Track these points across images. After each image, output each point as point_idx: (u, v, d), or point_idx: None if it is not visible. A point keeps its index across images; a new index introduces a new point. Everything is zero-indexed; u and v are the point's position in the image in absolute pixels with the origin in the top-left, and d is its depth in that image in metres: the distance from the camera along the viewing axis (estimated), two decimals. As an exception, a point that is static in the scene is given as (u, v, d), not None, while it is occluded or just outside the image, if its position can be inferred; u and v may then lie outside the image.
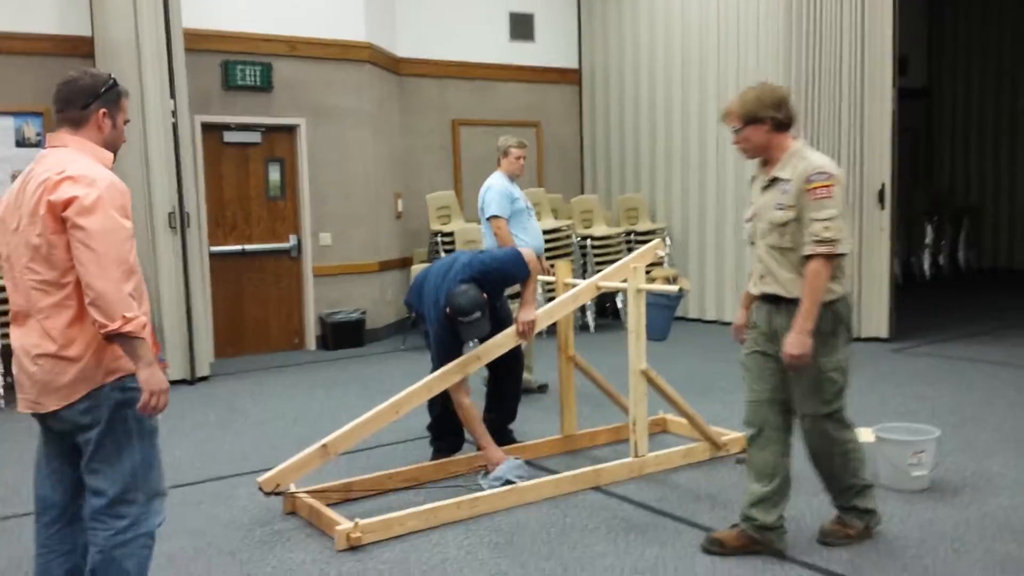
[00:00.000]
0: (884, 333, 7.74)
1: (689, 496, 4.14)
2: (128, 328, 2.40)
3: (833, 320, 3.29)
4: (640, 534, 3.71)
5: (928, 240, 12.24)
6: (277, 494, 3.98)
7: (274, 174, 8.43)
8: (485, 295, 4.33)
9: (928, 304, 9.89)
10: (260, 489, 3.92)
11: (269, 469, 4.10)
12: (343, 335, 8.41)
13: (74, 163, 2.51)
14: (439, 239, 8.79)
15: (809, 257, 3.20)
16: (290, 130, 8.44)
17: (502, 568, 3.42)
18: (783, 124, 3.32)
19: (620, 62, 10.16)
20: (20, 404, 2.64)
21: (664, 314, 5.02)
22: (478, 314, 4.23)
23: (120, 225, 2.45)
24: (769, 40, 8.56)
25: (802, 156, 3.30)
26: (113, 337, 2.43)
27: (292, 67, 8.34)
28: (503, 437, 4.86)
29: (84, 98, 2.59)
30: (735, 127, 3.37)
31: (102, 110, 2.61)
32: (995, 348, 7.36)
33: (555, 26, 10.53)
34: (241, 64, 8.05)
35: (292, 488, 4.09)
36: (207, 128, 7.91)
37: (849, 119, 7.81)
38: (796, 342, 3.20)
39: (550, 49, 10.50)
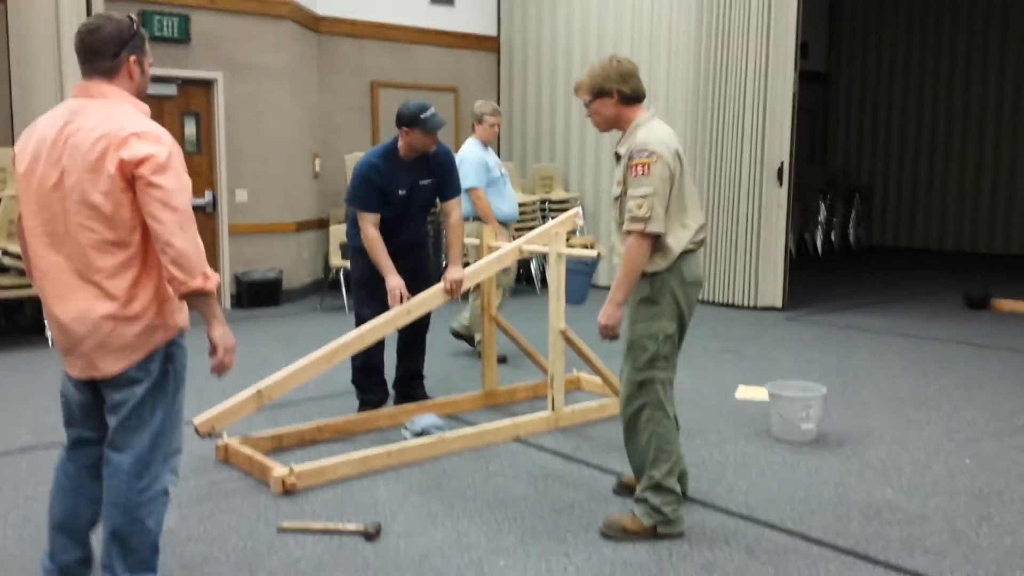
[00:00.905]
0: (778, 303, 8.26)
1: (602, 446, 4.46)
2: (209, 285, 2.43)
3: (654, 289, 3.27)
4: (557, 479, 4.01)
5: (822, 217, 12.94)
6: (212, 437, 4.09)
7: (190, 128, 8.37)
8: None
9: (820, 277, 10.52)
10: (196, 431, 4.02)
11: (189, 423, 4.22)
12: (259, 294, 8.45)
13: (128, 117, 2.44)
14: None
15: (629, 232, 3.23)
16: (207, 84, 8.37)
17: (432, 509, 3.66)
18: (630, 97, 3.34)
19: (538, 32, 10.37)
20: (72, 369, 2.56)
21: (582, 280, 5.26)
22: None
23: (188, 182, 2.46)
24: (681, 20, 8.90)
25: (635, 132, 3.31)
26: (189, 295, 2.42)
27: (211, 20, 8.25)
28: (412, 391, 5.07)
29: (113, 46, 2.47)
30: (585, 100, 3.41)
31: (132, 57, 2.51)
32: (880, 319, 7.96)
33: (475, -7, 10.65)
34: (159, 15, 7.94)
35: (225, 436, 4.24)
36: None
37: (753, 100, 8.24)
38: (603, 312, 3.30)
39: (470, 15, 10.62)
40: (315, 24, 9.37)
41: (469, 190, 5.85)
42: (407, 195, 4.73)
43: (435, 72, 10.36)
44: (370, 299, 4.78)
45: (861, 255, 13.13)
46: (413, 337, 5.03)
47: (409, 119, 4.57)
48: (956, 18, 13.16)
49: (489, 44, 10.81)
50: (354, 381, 5.04)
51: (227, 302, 8.53)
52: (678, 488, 3.40)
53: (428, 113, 4.57)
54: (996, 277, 9.35)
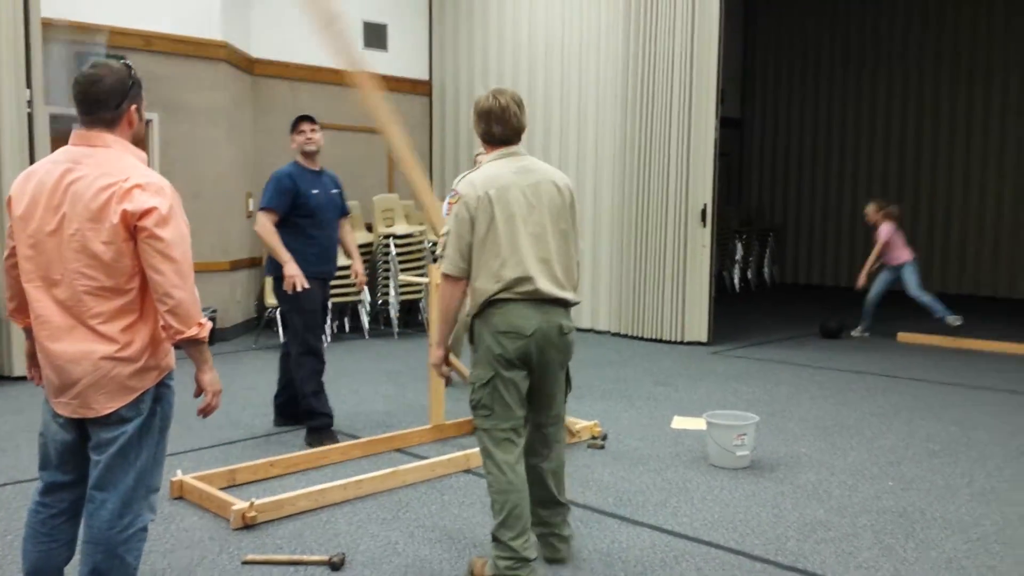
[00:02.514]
0: (704, 338, 8.61)
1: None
2: (203, 334, 2.51)
3: (472, 334, 3.31)
4: (511, 508, 4.16)
5: (739, 256, 13.48)
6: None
7: (123, 169, 8.32)
8: None
9: (740, 313, 10.96)
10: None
11: None
12: (193, 333, 8.38)
13: (131, 168, 2.49)
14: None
15: None
16: (141, 125, 8.35)
17: (392, 539, 3.77)
18: (483, 138, 3.39)
19: (470, 75, 10.66)
20: (62, 409, 2.59)
21: None
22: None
23: (188, 232, 2.53)
24: (608, 68, 9.29)
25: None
26: (184, 342, 2.50)
27: (146, 61, 8.25)
28: (293, 417, 5.47)
29: (116, 98, 2.52)
30: None
31: (132, 106, 2.58)
32: (798, 352, 8.37)
33: (408, 38, 10.90)
34: (94, 56, 7.93)
35: (179, 473, 4.27)
36: (56, 119, 7.73)
37: (678, 145, 8.65)
38: (430, 353, 3.49)
39: (403, 59, 10.85)
40: (250, 66, 9.46)
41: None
42: (319, 196, 5.25)
43: (369, 114, 10.49)
44: (317, 327, 5.24)
45: (775, 292, 13.71)
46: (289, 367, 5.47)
47: (293, 122, 5.45)
48: (860, 65, 13.97)
49: (422, 88, 11.05)
50: (311, 407, 5.22)
51: (160, 342, 8.44)
52: (522, 548, 3.19)
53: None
54: (903, 312, 9.90)
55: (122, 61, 2.63)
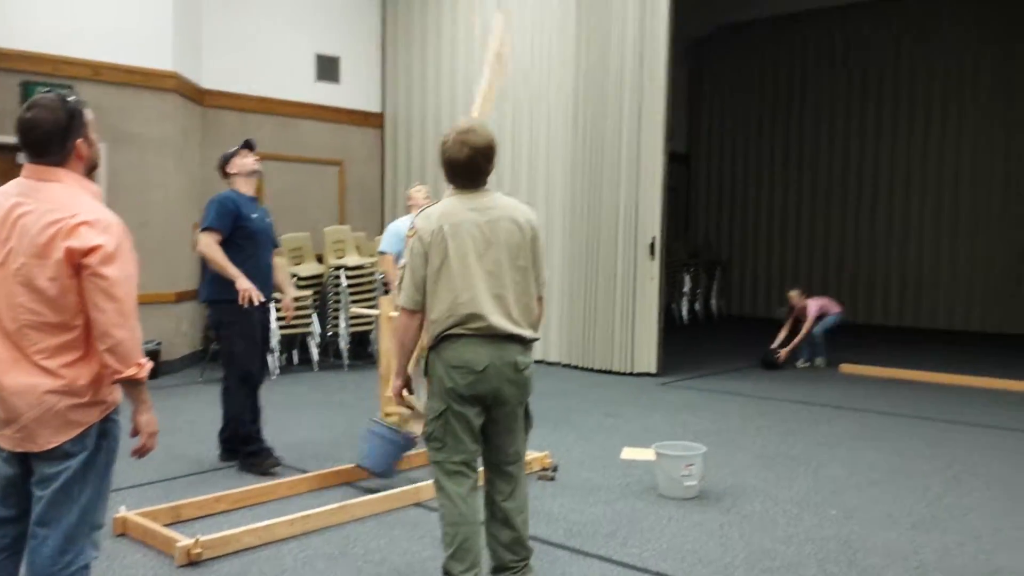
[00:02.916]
0: (653, 369, 8.71)
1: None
2: (141, 374, 2.48)
3: (427, 366, 3.32)
4: (461, 541, 4.15)
5: (686, 288, 13.67)
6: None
7: (68, 199, 8.20)
8: None
9: (688, 345, 11.10)
10: None
11: None
12: (138, 365, 8.24)
13: (79, 203, 2.46)
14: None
15: None
16: (87, 155, 8.25)
17: (339, 575, 3.74)
18: (448, 176, 3.40)
19: (422, 108, 10.73)
20: (4, 442, 2.55)
21: (389, 448, 4.93)
22: None
23: (134, 271, 2.49)
24: (559, 104, 9.43)
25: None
26: (122, 381, 2.48)
27: (95, 91, 8.17)
28: (238, 452, 5.39)
29: (57, 139, 2.50)
30: None
31: (79, 139, 2.54)
32: (744, 383, 8.50)
33: (360, 70, 10.95)
34: (42, 85, 7.82)
35: (123, 509, 4.20)
36: (1, 149, 7.61)
37: (627, 181, 8.80)
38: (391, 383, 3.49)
39: (355, 92, 10.89)
40: (200, 97, 9.42)
41: (381, 253, 6.70)
42: (258, 220, 5.31)
43: (320, 146, 10.53)
44: (255, 353, 5.31)
45: (722, 324, 13.91)
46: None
47: (224, 158, 5.47)
48: (803, 103, 14.37)
49: (374, 120, 11.09)
50: (249, 433, 5.26)
51: (103, 375, 8.28)
52: None
53: (238, 145, 5.49)
54: (846, 343, 10.12)
55: (59, 93, 2.58)
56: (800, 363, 9.52)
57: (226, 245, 5.17)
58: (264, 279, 5.32)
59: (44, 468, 2.55)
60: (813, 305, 9.44)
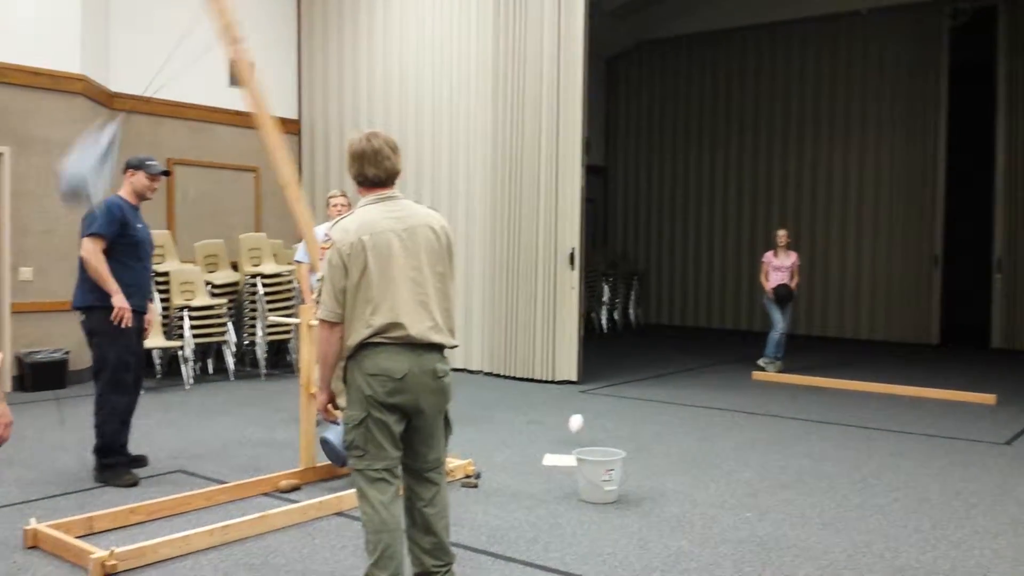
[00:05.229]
0: (574, 377, 8.81)
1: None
2: None
3: (345, 375, 3.31)
4: (384, 549, 4.13)
5: (605, 298, 13.87)
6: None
7: (-31, 203, 7.89)
8: None
9: (607, 353, 11.26)
10: None
11: None
12: (44, 376, 7.98)
13: None
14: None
15: None
16: (-9, 157, 7.96)
17: (262, 585, 3.69)
18: (356, 180, 3.38)
19: (339, 114, 10.66)
20: None
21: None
22: None
23: None
24: (478, 117, 9.47)
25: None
26: None
27: (0, 93, 7.90)
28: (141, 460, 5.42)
29: None
30: None
31: None
32: (662, 390, 8.67)
33: (275, 77, 10.79)
34: (-63, 85, 7.52)
35: (33, 521, 4.05)
36: None
37: (546, 192, 8.91)
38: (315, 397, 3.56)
39: (271, 98, 10.70)
40: (108, 100, 9.16)
41: (297, 262, 6.77)
42: (143, 230, 5.32)
43: (235, 151, 10.35)
44: (130, 363, 5.22)
45: (640, 333, 14.16)
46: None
47: (136, 163, 5.34)
48: (716, 118, 14.77)
49: (291, 127, 10.96)
50: (107, 445, 5.15)
51: (7, 384, 7.97)
52: None
53: (153, 160, 5.40)
54: (758, 351, 10.41)
55: None
56: (765, 362, 9.75)
57: (108, 253, 5.08)
58: (144, 289, 5.31)
59: None
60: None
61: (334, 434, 4.99)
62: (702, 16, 14.17)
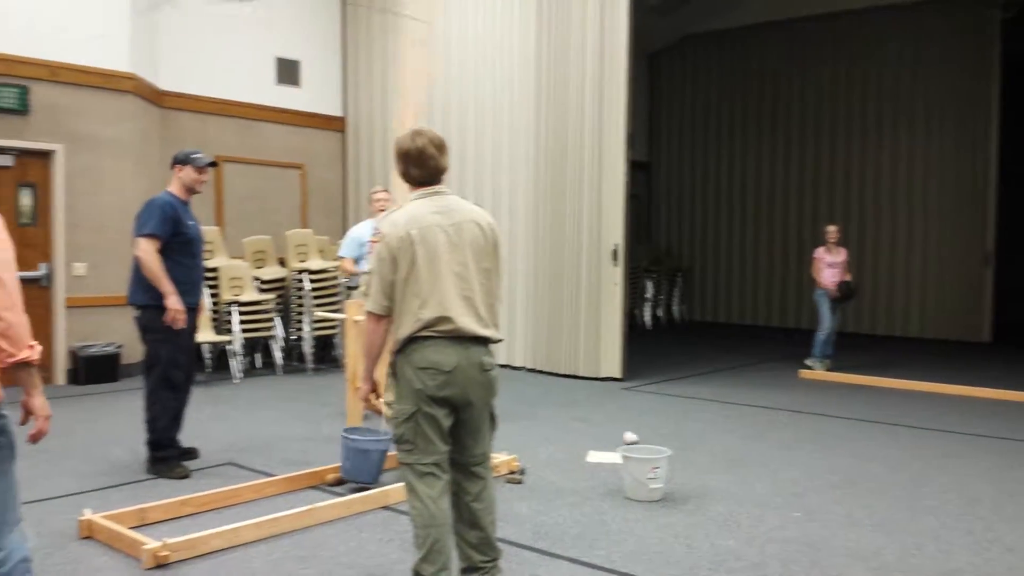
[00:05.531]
0: (618, 374, 8.78)
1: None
2: (34, 356, 2.44)
3: (394, 369, 3.33)
4: (430, 544, 4.16)
5: (649, 294, 13.80)
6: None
7: (25, 199, 8.07)
8: None
9: (651, 350, 11.21)
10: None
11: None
12: (96, 369, 8.15)
13: None
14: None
15: None
16: (45, 155, 8.14)
17: (310, 577, 3.74)
18: (405, 177, 3.42)
19: (383, 112, 10.72)
20: None
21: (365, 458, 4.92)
22: None
23: (12, 257, 2.45)
24: (521, 113, 9.47)
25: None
26: (15, 366, 2.43)
27: (51, 92, 8.08)
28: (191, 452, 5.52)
29: None
30: None
31: None
32: (706, 387, 8.61)
33: (321, 74, 10.91)
34: (-1, 85, 7.71)
35: (88, 512, 4.14)
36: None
37: (589, 188, 8.87)
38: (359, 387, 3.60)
39: (316, 96, 10.84)
40: (158, 98, 9.32)
41: (341, 257, 6.80)
42: (194, 227, 5.34)
43: (281, 149, 10.47)
44: (181, 361, 5.31)
45: (684, 330, 14.06)
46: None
47: (183, 157, 5.35)
48: (759, 112, 14.60)
49: (336, 124, 11.05)
50: (158, 440, 5.25)
51: (61, 378, 8.16)
52: None
53: (199, 153, 5.39)
54: (805, 352, 10.29)
55: None
56: (813, 361, 9.64)
57: (161, 251, 5.14)
58: (196, 286, 5.36)
59: None
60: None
61: (374, 444, 4.90)
62: (746, 10, 14.00)
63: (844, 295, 9.63)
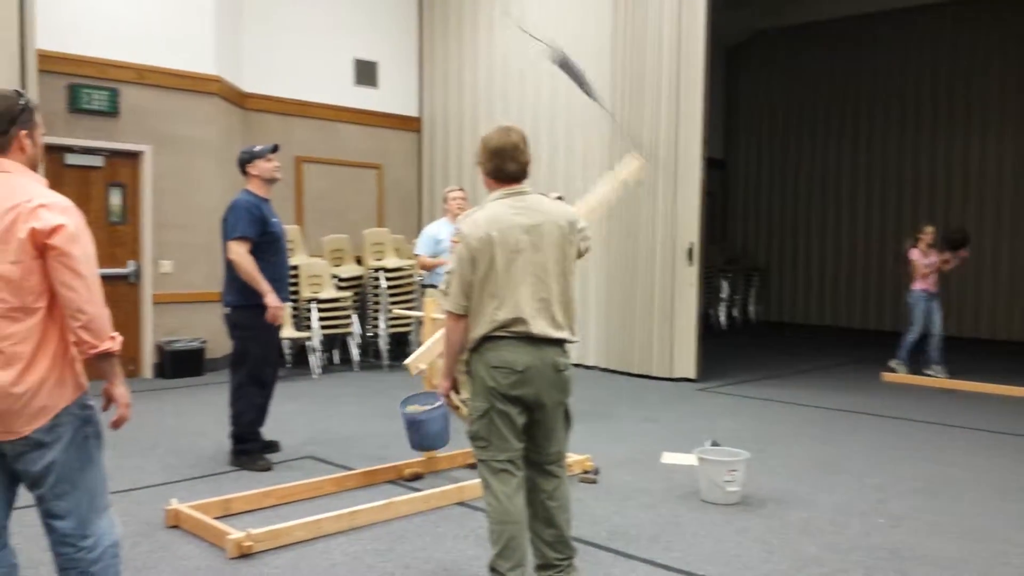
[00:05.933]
0: (692, 375, 8.69)
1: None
2: (115, 347, 2.54)
3: (469, 367, 3.37)
4: (506, 541, 4.18)
5: (724, 295, 13.61)
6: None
7: (115, 199, 8.37)
8: None
9: (726, 351, 11.05)
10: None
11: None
12: (182, 363, 8.40)
13: (32, 188, 2.51)
14: (282, 272, 8.99)
15: None
16: (134, 156, 8.42)
17: (388, 570, 3.79)
18: (490, 174, 3.42)
19: (459, 112, 10.80)
20: None
21: (435, 424, 5.03)
22: None
23: (93, 251, 2.55)
24: (596, 108, 9.41)
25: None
26: (98, 357, 2.53)
27: (140, 94, 8.36)
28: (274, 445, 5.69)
29: (2, 124, 2.54)
30: None
31: (22, 131, 2.58)
32: (782, 390, 8.45)
33: (398, 75, 11.04)
34: (87, 88, 8.00)
35: (174, 502, 4.28)
36: (49, 150, 7.78)
37: (664, 186, 8.79)
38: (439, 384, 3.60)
39: (393, 96, 10.98)
40: (242, 100, 9.55)
41: (417, 255, 7.08)
42: (278, 224, 5.41)
43: (359, 149, 10.63)
44: (273, 358, 5.49)
45: (760, 330, 13.83)
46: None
47: (248, 155, 5.42)
48: (842, 105, 14.25)
49: (412, 124, 11.18)
50: (242, 434, 5.38)
51: (148, 372, 8.44)
52: None
53: (257, 146, 5.51)
54: (886, 354, 10.03)
55: (13, 89, 2.66)
56: (900, 364, 9.42)
57: (252, 252, 5.23)
58: (283, 283, 5.45)
59: (27, 466, 2.57)
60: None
61: (427, 414, 4.98)
62: (826, 2, 13.68)
63: (960, 242, 9.38)
